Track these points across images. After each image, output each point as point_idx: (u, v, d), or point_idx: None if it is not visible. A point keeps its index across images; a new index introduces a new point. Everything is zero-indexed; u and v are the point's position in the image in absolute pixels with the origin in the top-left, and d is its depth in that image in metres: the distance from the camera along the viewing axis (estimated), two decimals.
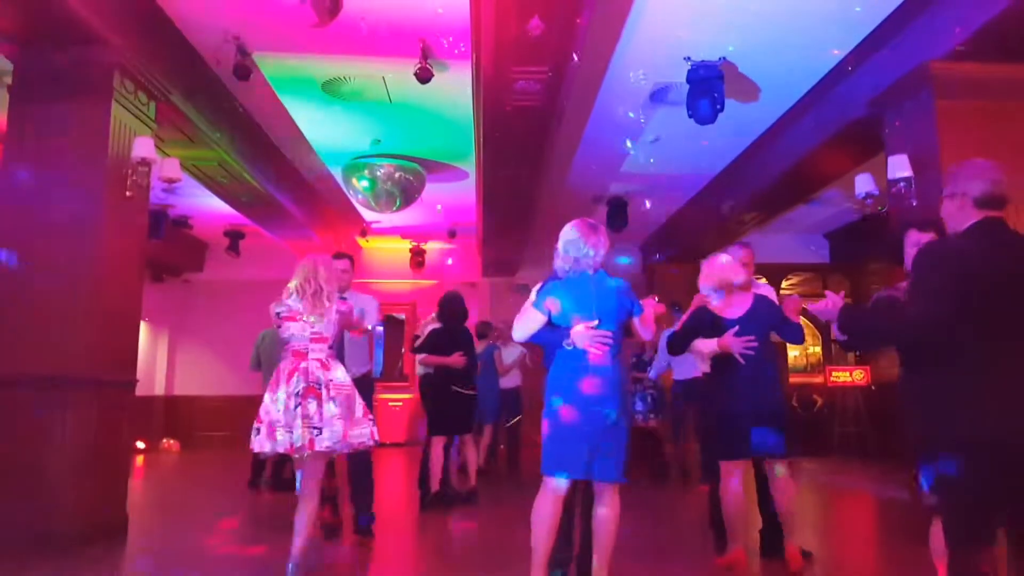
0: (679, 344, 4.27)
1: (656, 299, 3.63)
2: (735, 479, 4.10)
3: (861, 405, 11.04)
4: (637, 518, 5.96)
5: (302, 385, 3.75)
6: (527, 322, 3.43)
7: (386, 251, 13.41)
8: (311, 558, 4.08)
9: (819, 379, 11.71)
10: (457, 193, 9.84)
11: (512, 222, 9.58)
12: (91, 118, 5.02)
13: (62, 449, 4.67)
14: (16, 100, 5.07)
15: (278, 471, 7.51)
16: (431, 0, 5.27)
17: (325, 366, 3.86)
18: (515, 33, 4.89)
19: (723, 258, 4.23)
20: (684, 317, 4.36)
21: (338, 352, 4.28)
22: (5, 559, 4.30)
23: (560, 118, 6.49)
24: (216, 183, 8.01)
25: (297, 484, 3.95)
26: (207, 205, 9.88)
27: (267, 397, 3.80)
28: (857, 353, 10.99)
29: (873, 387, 11.06)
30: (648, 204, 9.92)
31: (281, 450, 3.71)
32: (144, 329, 8.42)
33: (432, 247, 13.02)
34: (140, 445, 10.96)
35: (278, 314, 3.91)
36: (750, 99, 6.70)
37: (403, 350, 13.35)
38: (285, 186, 8.87)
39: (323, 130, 7.84)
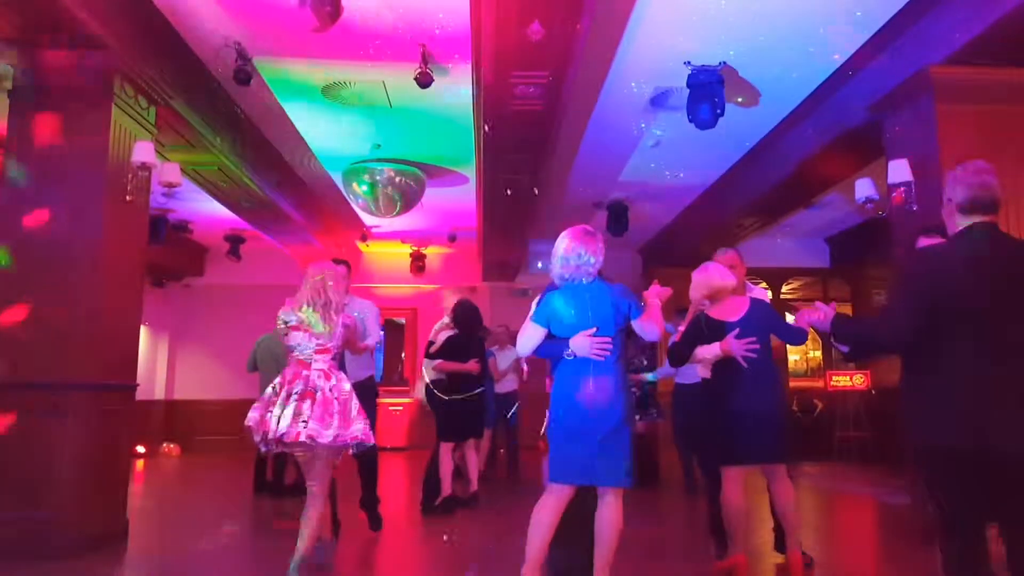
0: (681, 354, 4.24)
1: (658, 283, 3.63)
2: (736, 485, 4.09)
3: (861, 409, 11.03)
4: (637, 522, 5.96)
5: (300, 388, 3.86)
6: (528, 337, 3.46)
7: (386, 255, 13.42)
8: (318, 557, 4.16)
9: (819, 383, 11.71)
10: (457, 198, 9.84)
11: (512, 226, 9.58)
12: (91, 122, 5.02)
13: (62, 454, 4.65)
14: (16, 104, 5.07)
15: (279, 476, 7.50)
16: (432, 5, 5.28)
17: (327, 376, 3.95)
18: (515, 38, 4.90)
19: (711, 266, 4.24)
20: (682, 327, 4.35)
21: (340, 356, 4.32)
22: (3, 566, 4.29)
23: (560, 123, 6.49)
24: (216, 188, 8.01)
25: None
26: (207, 210, 9.88)
27: (269, 389, 3.94)
28: (853, 360, 10.99)
29: (873, 391, 11.06)
30: (647, 208, 9.94)
31: (263, 428, 3.82)
32: (144, 333, 8.42)
33: (432, 251, 13.03)
34: (140, 450, 10.95)
35: (286, 323, 4.02)
36: (751, 104, 6.71)
37: (403, 355, 13.36)
38: (285, 191, 8.87)
39: (323, 135, 7.85)
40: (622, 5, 5.19)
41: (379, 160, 8.41)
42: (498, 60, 5.28)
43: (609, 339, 3.33)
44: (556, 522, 3.31)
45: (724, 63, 5.90)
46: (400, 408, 12.79)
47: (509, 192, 7.97)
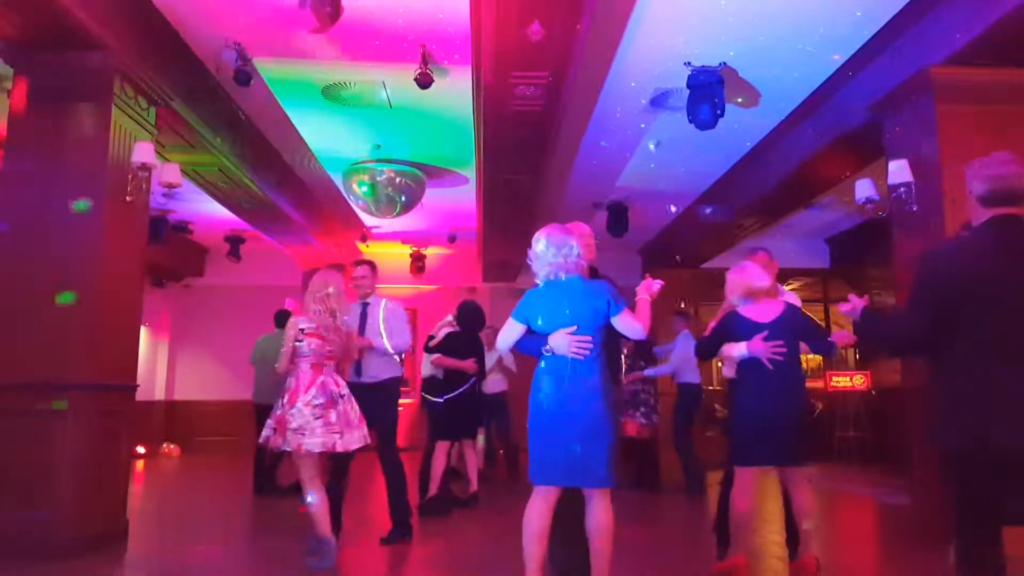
0: (707, 350, 4.28)
1: (650, 276, 3.55)
2: (748, 485, 4.07)
3: (861, 410, 11.03)
4: (637, 523, 5.96)
5: (322, 399, 4.24)
6: (507, 332, 3.42)
7: (386, 256, 13.40)
8: (324, 560, 4.31)
9: (819, 384, 11.71)
10: (457, 198, 9.84)
11: (512, 227, 9.58)
12: (91, 123, 5.01)
13: (62, 454, 4.65)
14: (16, 105, 5.07)
15: (271, 476, 7.52)
16: (432, 5, 5.28)
17: (336, 382, 4.38)
18: (515, 38, 4.90)
19: (749, 265, 4.21)
20: (713, 323, 4.37)
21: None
22: (3, 566, 4.29)
23: (560, 123, 6.49)
24: (216, 188, 8.01)
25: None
26: (207, 210, 9.89)
27: (285, 408, 4.24)
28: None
29: (873, 392, 11.05)
30: (647, 209, 9.93)
31: (290, 447, 4.21)
32: (144, 334, 8.42)
33: (432, 252, 13.03)
34: (140, 450, 10.94)
35: (302, 329, 4.35)
36: (751, 104, 6.71)
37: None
38: (286, 191, 8.88)
39: (323, 135, 7.85)
40: (622, 5, 5.19)
41: (379, 161, 8.41)
42: (498, 60, 5.29)
43: (589, 337, 3.26)
44: (547, 525, 3.25)
45: (724, 63, 5.90)
46: (400, 408, 12.76)
47: (509, 192, 7.98)
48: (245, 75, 5.87)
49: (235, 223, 10.24)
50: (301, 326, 4.36)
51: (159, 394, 12.79)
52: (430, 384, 6.97)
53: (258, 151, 7.86)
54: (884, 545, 5.81)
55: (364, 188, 8.52)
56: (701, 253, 11.29)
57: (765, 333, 3.98)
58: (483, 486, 7.19)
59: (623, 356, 8.01)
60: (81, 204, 4.84)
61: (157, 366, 12.81)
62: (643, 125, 7.26)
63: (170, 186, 5.85)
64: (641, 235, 11.33)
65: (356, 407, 4.41)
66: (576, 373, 3.25)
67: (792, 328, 4.04)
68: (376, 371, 5.18)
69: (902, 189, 5.25)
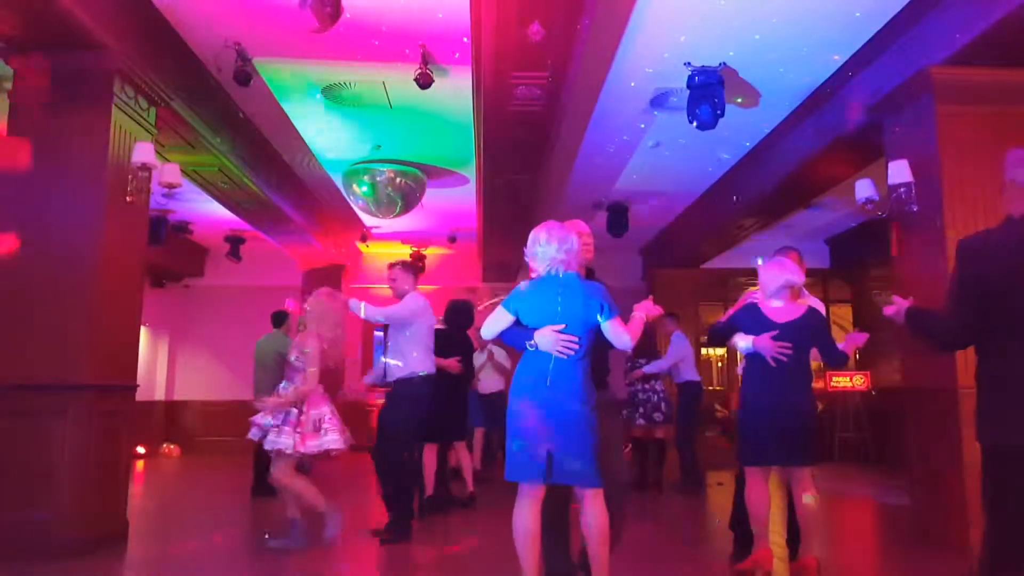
0: (719, 335, 4.30)
1: (652, 300, 3.53)
2: (759, 484, 4.09)
3: (862, 410, 11.03)
4: (637, 522, 5.95)
5: (328, 412, 4.91)
6: (494, 321, 3.37)
7: (386, 256, 13.40)
8: (294, 540, 4.86)
9: (819, 384, 11.70)
10: (457, 198, 9.84)
11: (512, 227, 9.57)
12: (91, 123, 5.02)
13: (62, 455, 4.65)
14: (16, 106, 5.07)
15: (262, 477, 7.51)
16: (432, 5, 5.28)
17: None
18: (515, 38, 4.90)
19: (787, 261, 4.17)
20: (731, 310, 4.36)
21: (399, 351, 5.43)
22: (3, 566, 4.29)
23: (560, 123, 6.49)
24: (216, 188, 8.01)
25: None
26: (208, 210, 9.89)
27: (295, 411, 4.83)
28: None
29: (874, 392, 11.05)
30: (647, 209, 9.93)
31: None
32: (144, 334, 8.41)
33: (432, 252, 13.03)
34: (140, 450, 10.94)
35: (305, 352, 4.89)
36: (751, 104, 6.71)
37: None
38: (286, 191, 8.88)
39: (323, 135, 7.85)
40: (622, 5, 5.19)
41: (379, 161, 8.42)
42: (498, 61, 5.29)
43: (576, 338, 3.21)
44: (538, 527, 3.21)
45: (724, 64, 5.90)
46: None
47: (509, 192, 7.98)
48: (245, 75, 5.87)
49: (235, 223, 10.24)
50: (306, 350, 4.90)
51: (159, 394, 12.79)
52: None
53: (258, 151, 7.86)
54: (884, 545, 5.80)
55: (364, 188, 8.52)
56: (701, 253, 11.29)
57: (776, 332, 3.97)
58: (482, 487, 7.19)
59: (627, 361, 8.02)
60: None
61: (157, 366, 12.81)
62: (643, 125, 7.26)
63: (170, 186, 5.84)
64: (641, 235, 11.34)
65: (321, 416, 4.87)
66: (557, 372, 3.20)
67: (806, 334, 4.00)
68: (392, 372, 5.46)
69: (902, 189, 5.25)
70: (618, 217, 9.78)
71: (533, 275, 3.40)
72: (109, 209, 5.00)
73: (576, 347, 3.21)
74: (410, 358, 5.40)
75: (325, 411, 4.87)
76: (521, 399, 3.25)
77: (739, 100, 6.53)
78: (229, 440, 11.89)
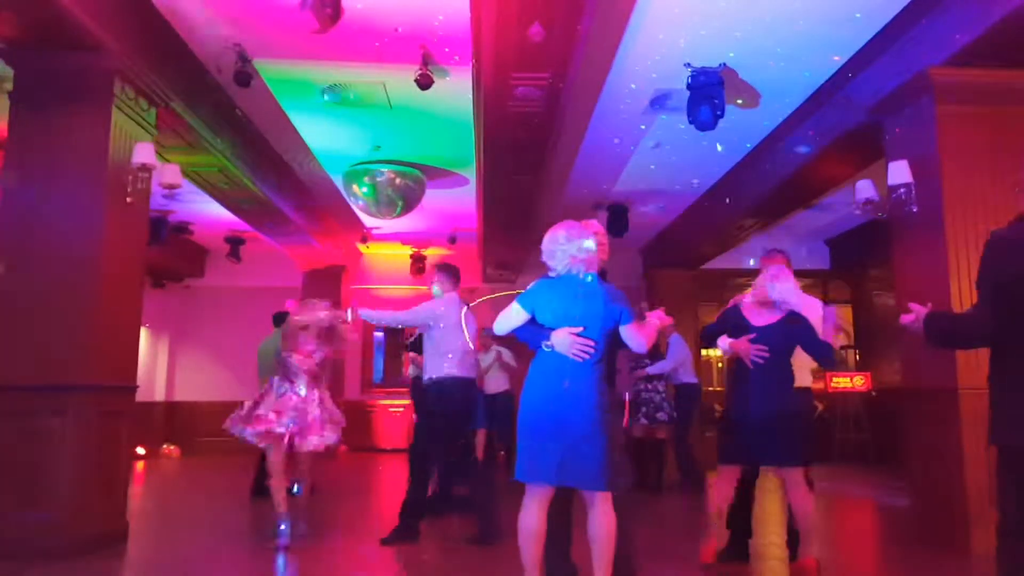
0: (709, 334, 4.44)
1: (664, 311, 3.60)
2: (725, 481, 4.25)
3: (862, 411, 11.03)
4: (637, 522, 5.94)
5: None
6: (509, 317, 3.36)
7: (386, 257, 13.43)
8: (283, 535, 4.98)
9: (819, 385, 11.70)
10: (457, 199, 9.84)
11: (512, 228, 9.58)
12: (91, 124, 5.02)
13: (62, 456, 4.65)
14: (16, 106, 5.07)
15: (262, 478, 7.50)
16: (432, 6, 5.28)
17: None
18: (516, 39, 4.90)
19: (790, 278, 4.19)
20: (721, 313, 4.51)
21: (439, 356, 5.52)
22: (3, 566, 4.29)
23: (560, 124, 6.49)
24: (217, 189, 8.01)
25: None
26: (208, 211, 9.89)
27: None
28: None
29: (874, 392, 11.05)
30: (648, 209, 9.91)
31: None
32: (144, 335, 8.42)
33: (432, 253, 13.03)
34: (140, 451, 10.94)
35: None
36: (751, 105, 6.71)
37: (403, 356, 13.37)
38: (286, 192, 8.88)
39: (324, 136, 7.85)
40: (622, 6, 5.19)
41: (379, 161, 8.41)
42: (498, 61, 5.28)
43: (593, 341, 3.21)
44: (544, 528, 3.21)
45: (724, 64, 5.90)
46: (400, 409, 12.77)
47: (509, 193, 7.97)
48: (245, 76, 5.87)
49: (235, 224, 10.24)
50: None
51: (159, 395, 12.78)
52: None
53: (258, 152, 7.86)
54: (884, 546, 5.80)
55: (364, 189, 8.52)
56: (701, 253, 11.29)
57: (754, 336, 4.02)
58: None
59: (631, 361, 8.04)
60: None
61: (157, 367, 12.80)
62: (643, 126, 7.26)
63: (170, 187, 5.85)
64: (641, 235, 11.33)
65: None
66: (573, 375, 3.20)
67: (786, 336, 4.03)
68: (460, 370, 5.62)
69: (902, 190, 5.25)
70: (618, 217, 9.76)
71: (551, 274, 3.40)
72: (109, 210, 5.00)
73: (592, 351, 3.21)
74: (433, 361, 5.42)
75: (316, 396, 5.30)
76: (534, 400, 3.25)
77: (739, 101, 6.53)
78: (229, 441, 11.85)
